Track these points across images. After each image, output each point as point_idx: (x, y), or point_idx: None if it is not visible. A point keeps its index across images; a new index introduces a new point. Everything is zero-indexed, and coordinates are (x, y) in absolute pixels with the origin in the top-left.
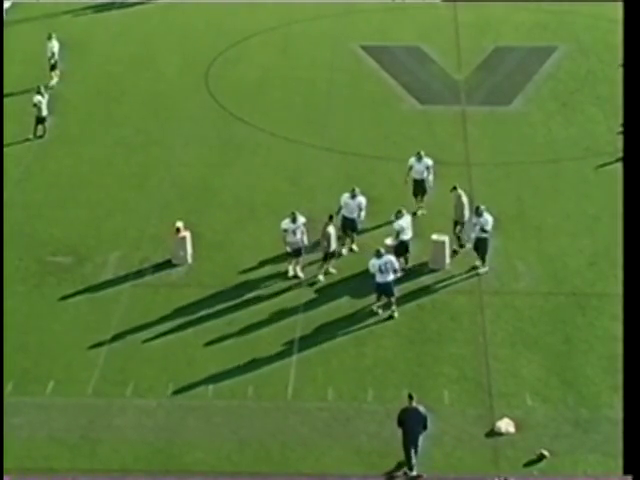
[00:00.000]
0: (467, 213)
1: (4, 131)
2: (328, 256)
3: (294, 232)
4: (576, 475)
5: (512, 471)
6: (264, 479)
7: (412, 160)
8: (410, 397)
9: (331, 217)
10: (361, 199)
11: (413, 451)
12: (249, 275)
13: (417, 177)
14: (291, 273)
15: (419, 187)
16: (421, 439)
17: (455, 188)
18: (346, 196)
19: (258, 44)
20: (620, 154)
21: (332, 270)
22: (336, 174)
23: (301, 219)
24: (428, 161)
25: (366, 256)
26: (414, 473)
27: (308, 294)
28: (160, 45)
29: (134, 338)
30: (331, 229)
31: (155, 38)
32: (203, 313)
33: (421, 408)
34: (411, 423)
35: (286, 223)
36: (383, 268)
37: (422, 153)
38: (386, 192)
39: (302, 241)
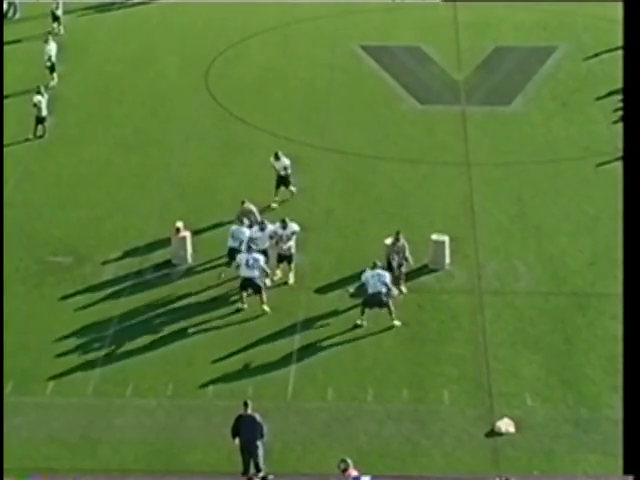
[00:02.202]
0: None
1: (4, 131)
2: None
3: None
4: (576, 475)
5: (512, 471)
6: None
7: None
8: (245, 404)
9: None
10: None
11: (251, 459)
12: None
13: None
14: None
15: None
16: (260, 445)
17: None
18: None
19: (258, 44)
20: (620, 153)
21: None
22: (336, 174)
23: (294, 226)
24: (285, 160)
25: (366, 256)
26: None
27: (308, 294)
28: (160, 45)
29: (134, 338)
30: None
31: (155, 38)
32: (203, 313)
33: (257, 416)
34: (246, 431)
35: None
36: (250, 262)
37: (279, 153)
38: (386, 192)
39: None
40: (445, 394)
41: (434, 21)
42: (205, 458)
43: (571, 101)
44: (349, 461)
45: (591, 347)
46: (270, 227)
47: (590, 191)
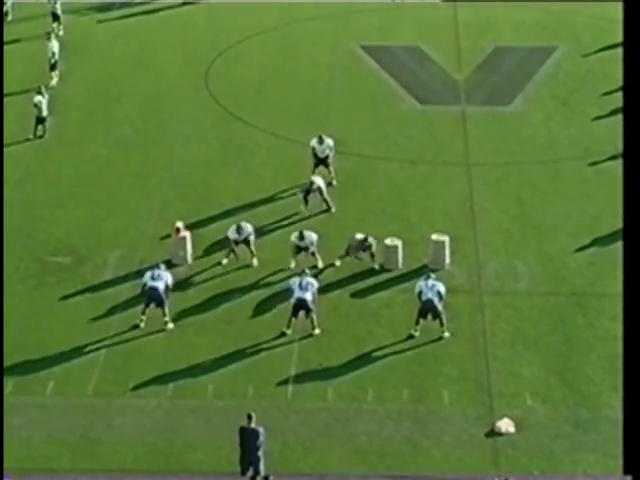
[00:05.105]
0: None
1: (4, 131)
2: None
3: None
4: (576, 475)
5: (512, 471)
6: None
7: (314, 141)
8: (249, 417)
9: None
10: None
11: (251, 468)
12: (249, 275)
13: (321, 156)
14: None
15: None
16: (261, 457)
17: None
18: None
19: (258, 44)
20: (619, 153)
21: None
22: (336, 174)
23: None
24: (329, 141)
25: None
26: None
27: None
28: (160, 45)
29: (134, 338)
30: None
31: (155, 38)
32: (203, 313)
33: (260, 430)
34: (248, 445)
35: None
36: (303, 285)
37: (323, 136)
38: (386, 192)
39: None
40: (445, 394)
41: (434, 21)
42: (205, 458)
43: (571, 101)
44: None
45: (591, 347)
46: (249, 228)
47: (590, 191)
